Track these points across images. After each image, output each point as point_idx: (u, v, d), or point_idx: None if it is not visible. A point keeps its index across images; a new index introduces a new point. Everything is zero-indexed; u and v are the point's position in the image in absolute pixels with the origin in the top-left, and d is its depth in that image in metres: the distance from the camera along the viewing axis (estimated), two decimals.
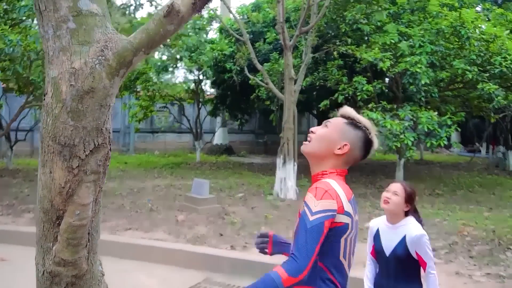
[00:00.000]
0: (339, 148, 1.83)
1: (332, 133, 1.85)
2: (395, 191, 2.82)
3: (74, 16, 1.56)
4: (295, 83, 9.75)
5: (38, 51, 7.33)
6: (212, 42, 14.17)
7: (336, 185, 1.80)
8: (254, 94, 12.96)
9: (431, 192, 11.08)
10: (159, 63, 13.02)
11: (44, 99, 1.63)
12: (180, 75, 15.65)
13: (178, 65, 14.49)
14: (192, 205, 8.23)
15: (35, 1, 1.58)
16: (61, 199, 1.63)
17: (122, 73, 1.61)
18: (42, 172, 1.64)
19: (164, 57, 14.74)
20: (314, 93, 12.39)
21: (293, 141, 9.73)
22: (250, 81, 11.60)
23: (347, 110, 1.91)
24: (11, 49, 6.49)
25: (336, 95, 10.65)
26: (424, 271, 2.82)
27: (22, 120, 12.54)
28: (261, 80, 11.29)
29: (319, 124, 13.78)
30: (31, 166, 13.92)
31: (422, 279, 2.91)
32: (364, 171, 14.92)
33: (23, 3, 7.51)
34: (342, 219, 1.79)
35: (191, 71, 14.62)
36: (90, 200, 1.68)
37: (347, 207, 1.81)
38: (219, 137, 20.01)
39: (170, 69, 14.35)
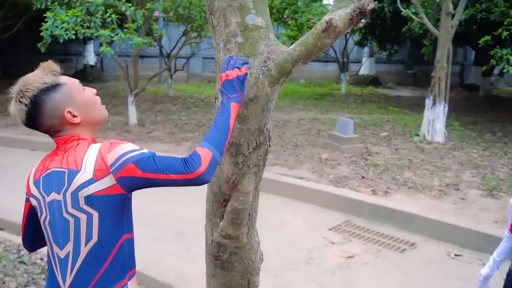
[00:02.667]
0: None
1: None
2: None
3: (242, 31, 1.73)
4: (452, 18, 9.05)
5: None
6: None
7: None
8: (406, 26, 12.29)
9: None
10: None
11: (215, 103, 1.87)
12: (329, 3, 15.23)
13: None
14: (336, 144, 8.41)
15: (208, 17, 1.78)
16: (227, 187, 1.91)
17: (282, 81, 1.77)
18: None
19: None
20: (474, 26, 11.35)
21: (445, 81, 9.21)
22: (402, 13, 11.00)
23: None
24: None
25: (499, 30, 9.67)
26: None
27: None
28: (414, 13, 10.65)
29: (476, 57, 12.77)
30: (188, 92, 15.16)
31: None
32: None
33: None
34: (32, 202, 1.73)
35: None
36: (251, 188, 1.94)
37: (32, 189, 1.71)
38: (365, 68, 19.53)
39: None
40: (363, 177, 6.90)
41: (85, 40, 16.41)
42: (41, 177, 1.66)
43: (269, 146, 1.91)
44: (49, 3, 8.00)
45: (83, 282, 1.61)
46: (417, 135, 9.47)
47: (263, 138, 1.86)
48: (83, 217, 1.58)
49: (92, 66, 17.62)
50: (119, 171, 1.54)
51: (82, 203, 1.57)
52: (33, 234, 1.85)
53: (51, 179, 1.63)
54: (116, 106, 11.86)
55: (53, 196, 1.62)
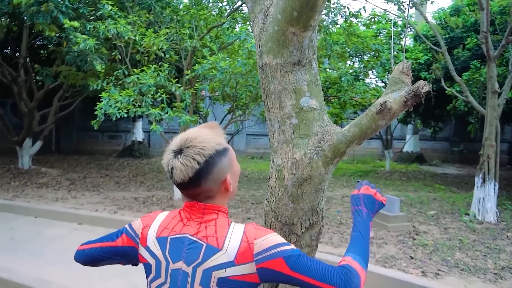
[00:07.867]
0: None
1: None
2: None
3: (296, 112, 1.79)
4: (498, 97, 8.98)
5: (243, 74, 8.12)
6: (406, 50, 13.80)
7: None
8: (451, 105, 12.27)
9: None
10: (351, 73, 13.09)
11: (268, 182, 1.90)
12: (371, 82, 15.47)
13: (369, 73, 14.45)
14: (382, 222, 8.20)
15: (264, 99, 1.85)
16: None
17: (336, 161, 1.80)
18: None
19: (356, 65, 14.82)
20: None
21: (494, 159, 9.00)
22: (446, 92, 11.02)
23: None
24: (222, 74, 7.35)
25: None
26: None
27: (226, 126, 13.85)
28: (459, 91, 10.65)
29: None
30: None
31: None
32: None
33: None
34: (143, 253, 1.60)
35: (382, 81, 14.48)
36: None
37: (152, 245, 1.58)
38: (410, 145, 19.37)
39: (361, 77, 14.37)
40: (412, 258, 6.64)
41: (135, 118, 17.12)
42: (168, 237, 1.56)
43: (322, 226, 1.89)
44: (104, 84, 8.48)
45: None
46: (467, 214, 9.13)
47: (317, 217, 1.85)
48: None
49: (140, 142, 18.23)
50: (263, 262, 1.46)
51: (213, 283, 1.48)
52: (95, 257, 1.73)
53: (182, 246, 1.54)
54: (161, 181, 12.09)
55: (181, 265, 1.52)
